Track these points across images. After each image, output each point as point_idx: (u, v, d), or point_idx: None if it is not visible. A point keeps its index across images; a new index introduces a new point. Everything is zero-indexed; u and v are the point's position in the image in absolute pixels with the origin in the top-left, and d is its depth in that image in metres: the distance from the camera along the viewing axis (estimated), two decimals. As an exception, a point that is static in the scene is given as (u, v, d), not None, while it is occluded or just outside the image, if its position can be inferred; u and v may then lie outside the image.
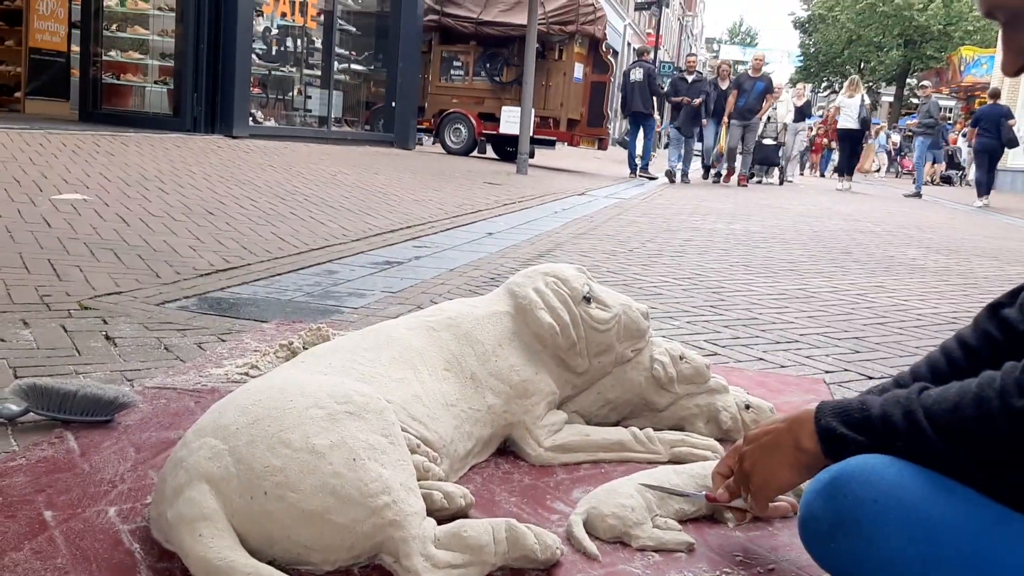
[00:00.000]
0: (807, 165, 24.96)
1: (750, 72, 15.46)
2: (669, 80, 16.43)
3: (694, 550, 1.51)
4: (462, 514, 1.57)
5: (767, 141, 15.76)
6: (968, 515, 1.04)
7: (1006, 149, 14.92)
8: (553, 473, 1.81)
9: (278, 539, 1.35)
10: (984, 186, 14.65)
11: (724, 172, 15.74)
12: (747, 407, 2.09)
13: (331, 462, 1.38)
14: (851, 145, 16.69)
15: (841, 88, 21.26)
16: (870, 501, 1.07)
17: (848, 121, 16.20)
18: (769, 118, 16.21)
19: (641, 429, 1.98)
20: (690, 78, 15.09)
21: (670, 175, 14.67)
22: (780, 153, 17.45)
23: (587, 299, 2.01)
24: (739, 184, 15.25)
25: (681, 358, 2.08)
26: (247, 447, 1.38)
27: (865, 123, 16.38)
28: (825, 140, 23.54)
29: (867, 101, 16.84)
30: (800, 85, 18.39)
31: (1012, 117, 14.47)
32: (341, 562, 1.37)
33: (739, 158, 15.51)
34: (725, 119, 15.28)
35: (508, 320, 1.98)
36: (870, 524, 1.06)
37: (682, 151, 15.01)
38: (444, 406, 1.77)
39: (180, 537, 1.32)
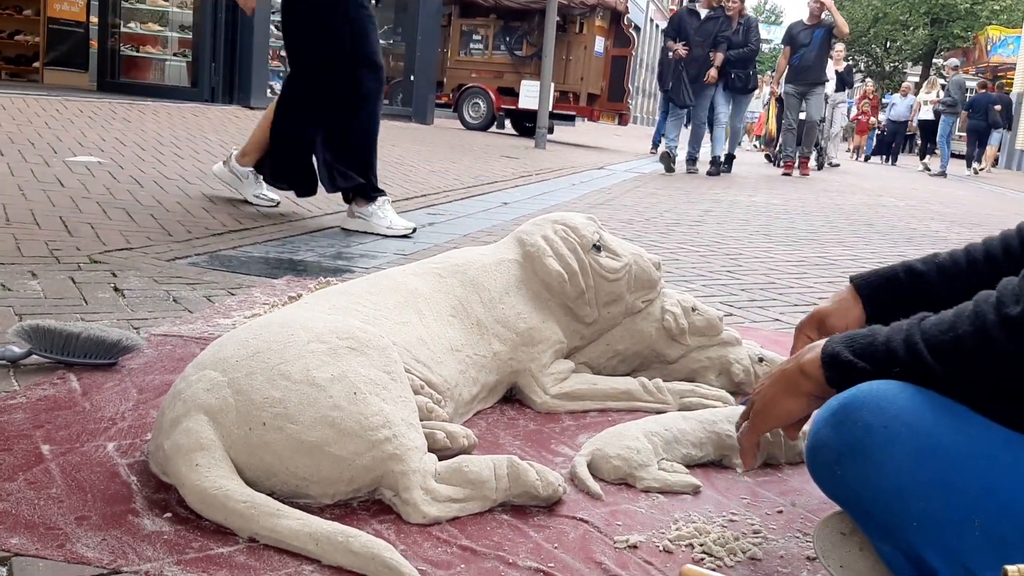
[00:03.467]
0: (850, 148, 22.55)
1: (805, 20, 11.06)
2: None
3: (699, 493, 1.48)
4: (465, 454, 1.54)
5: (802, 116, 11.45)
6: (978, 440, 1.00)
7: (992, 130, 17.75)
8: (559, 420, 1.78)
9: (276, 471, 1.32)
10: (973, 158, 17.72)
11: (788, 159, 11.74)
12: (760, 360, 2.04)
13: (331, 395, 1.35)
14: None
15: (864, 67, 20.88)
16: (880, 427, 1.03)
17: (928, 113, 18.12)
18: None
19: (652, 379, 1.94)
20: (703, 12, 10.35)
21: (666, 159, 10.14)
22: (821, 131, 13.61)
23: (597, 247, 1.97)
24: (801, 173, 11.59)
25: (693, 310, 2.04)
26: (246, 379, 1.36)
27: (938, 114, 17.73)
28: (872, 120, 21.60)
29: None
30: (839, 47, 14.15)
31: (999, 103, 17.71)
32: (340, 495, 1.35)
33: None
34: (775, 86, 12.29)
35: (516, 268, 1.94)
36: (880, 451, 1.03)
37: (685, 126, 11.45)
38: (449, 351, 1.74)
39: (176, 467, 1.30)
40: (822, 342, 1.20)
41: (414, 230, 4.05)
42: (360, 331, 1.49)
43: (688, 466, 1.57)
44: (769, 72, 18.87)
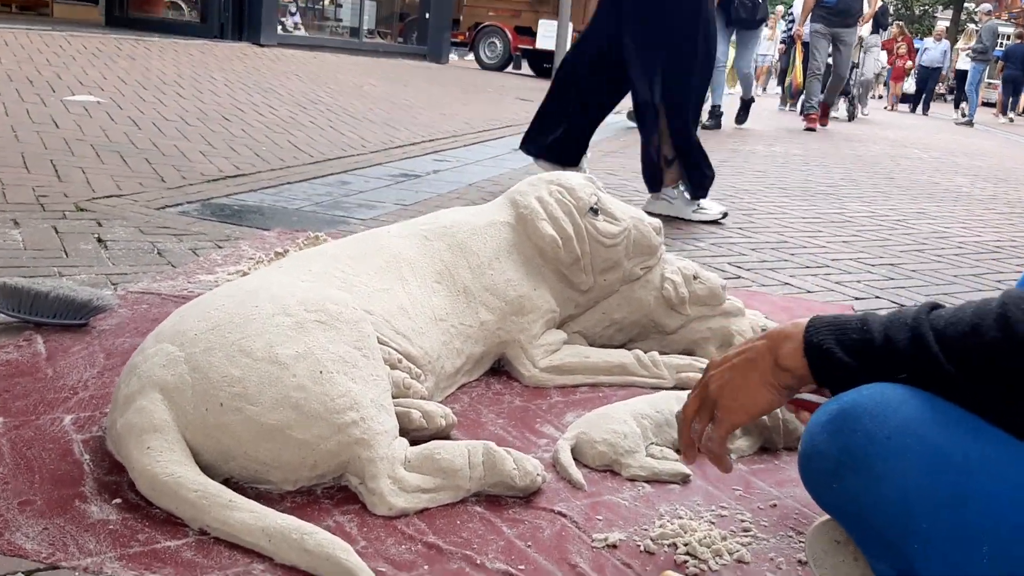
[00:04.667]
0: (887, 95, 20.45)
1: None
2: None
3: (689, 482, 1.38)
4: (443, 435, 1.45)
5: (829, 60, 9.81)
6: (993, 454, 0.90)
7: None
8: (547, 396, 1.69)
9: (234, 455, 1.24)
10: (1008, 107, 17.48)
11: (812, 110, 9.78)
12: (764, 331, 1.93)
13: (295, 374, 1.26)
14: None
15: (893, 10, 19.86)
16: (883, 438, 0.93)
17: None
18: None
19: (647, 352, 1.84)
20: None
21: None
22: (852, 78, 11.94)
23: (594, 211, 1.86)
24: (820, 123, 9.97)
25: (695, 278, 1.93)
26: (204, 355, 1.27)
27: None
28: (908, 64, 19.23)
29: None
30: None
31: None
32: (303, 481, 1.26)
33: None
34: (799, 28, 10.54)
35: (508, 231, 1.83)
36: (883, 463, 0.92)
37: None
38: (432, 320, 1.64)
39: (127, 448, 1.22)
40: (798, 323, 1.08)
41: (725, 215, 3.70)
42: (331, 303, 1.39)
43: (678, 450, 1.47)
44: (782, 6, 17.90)
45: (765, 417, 1.50)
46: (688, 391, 1.53)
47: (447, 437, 1.46)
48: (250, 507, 1.14)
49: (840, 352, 1.01)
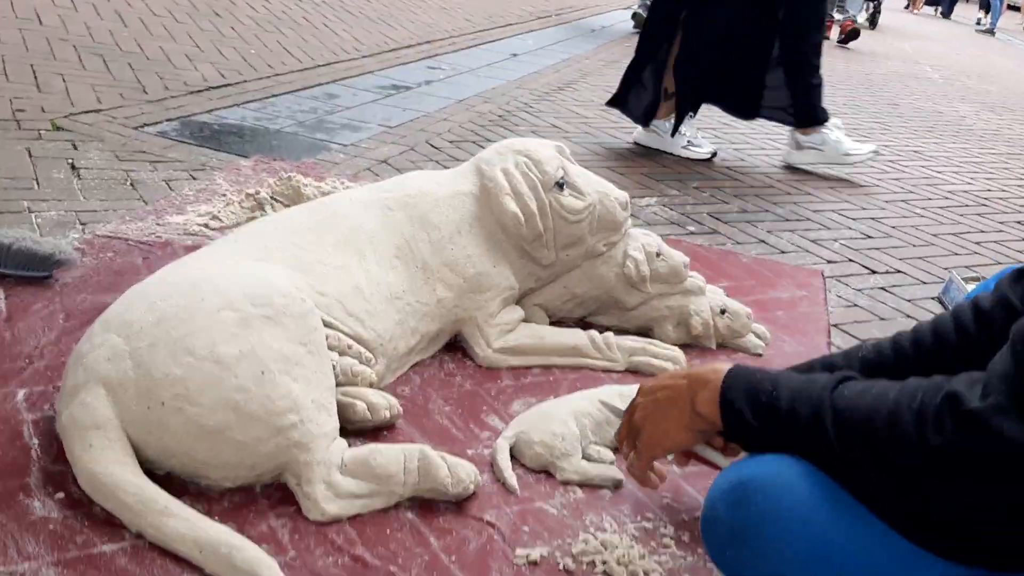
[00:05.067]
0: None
1: None
2: None
3: (621, 487, 1.43)
4: (388, 425, 1.49)
5: None
6: (872, 548, 0.93)
7: None
8: (498, 378, 1.72)
9: (175, 453, 1.28)
10: None
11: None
12: (723, 312, 1.95)
13: (236, 374, 1.28)
14: None
15: None
16: (772, 517, 0.96)
17: None
18: None
19: (604, 331, 1.86)
20: None
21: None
22: None
23: (560, 185, 1.84)
24: (841, 39, 8.72)
25: (658, 255, 1.93)
26: (148, 351, 1.29)
27: None
28: None
29: None
30: None
31: None
32: (242, 480, 1.30)
33: None
34: None
35: (471, 203, 1.82)
36: (769, 543, 0.96)
37: None
38: (388, 299, 1.65)
39: (71, 443, 1.25)
40: (718, 370, 1.11)
41: (714, 154, 3.63)
42: (279, 295, 1.40)
43: (618, 449, 1.51)
44: None
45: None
46: (632, 388, 1.57)
47: (392, 426, 1.51)
48: (185, 515, 1.18)
49: (749, 414, 1.04)
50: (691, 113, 3.66)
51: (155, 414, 1.26)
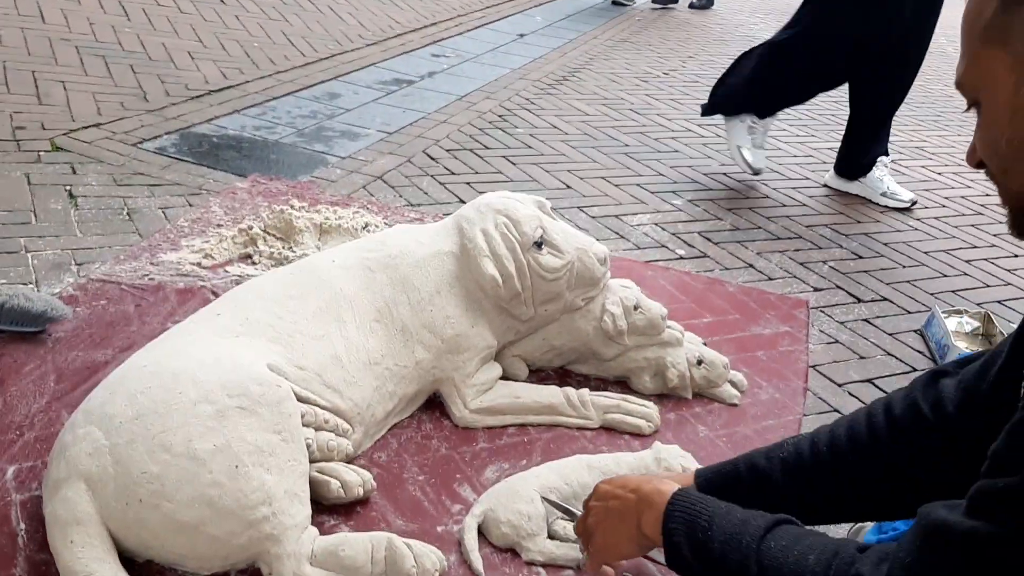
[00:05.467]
0: None
1: None
2: None
3: (583, 567, 1.48)
4: (362, 500, 1.55)
5: None
6: None
7: None
8: (474, 440, 1.77)
9: (152, 546, 1.34)
10: None
11: None
12: (699, 362, 1.99)
13: (211, 470, 1.34)
14: None
15: None
16: None
17: None
18: None
19: (583, 379, 1.92)
20: None
21: None
22: None
23: (539, 244, 1.88)
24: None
25: (635, 308, 1.97)
26: (127, 447, 1.35)
27: None
28: None
29: None
30: None
31: None
32: (216, 569, 1.37)
33: None
34: None
35: (452, 262, 1.86)
36: None
37: None
38: (366, 365, 1.70)
39: (53, 537, 1.32)
40: (663, 492, 1.17)
41: (914, 203, 3.49)
42: (255, 382, 1.45)
43: (585, 522, 1.57)
44: None
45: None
46: (599, 457, 1.62)
47: (367, 500, 1.57)
48: (159, 616, 1.25)
49: (686, 549, 1.09)
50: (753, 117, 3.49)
51: (133, 510, 1.32)
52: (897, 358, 2.31)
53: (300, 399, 1.56)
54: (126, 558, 1.34)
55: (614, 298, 1.98)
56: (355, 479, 1.54)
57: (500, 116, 3.89)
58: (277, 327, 1.64)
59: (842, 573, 0.92)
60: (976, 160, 0.97)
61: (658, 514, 1.15)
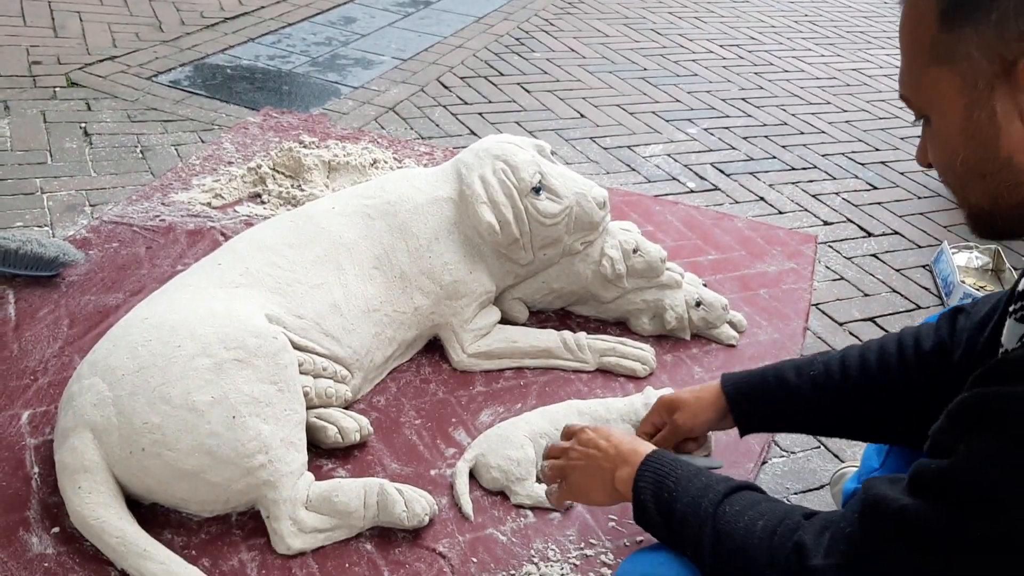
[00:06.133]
0: None
1: None
2: None
3: (571, 508, 1.54)
4: (359, 444, 1.62)
5: None
6: None
7: None
8: (471, 383, 1.82)
9: (156, 491, 1.42)
10: None
11: None
12: (698, 304, 2.01)
13: (209, 421, 1.40)
14: None
15: None
16: None
17: None
18: None
19: (583, 321, 1.95)
20: None
21: None
22: None
23: (537, 190, 1.89)
24: None
25: (635, 251, 1.98)
26: (129, 399, 1.41)
27: None
28: None
29: None
30: None
31: None
32: (218, 512, 1.45)
33: None
34: None
35: (450, 208, 1.89)
36: None
37: None
38: (365, 312, 1.75)
39: (62, 484, 1.40)
40: (639, 452, 1.20)
41: None
42: (251, 336, 1.50)
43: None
44: None
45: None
46: (588, 403, 1.66)
47: (364, 444, 1.63)
48: (162, 557, 1.33)
49: (653, 508, 1.13)
50: None
51: (136, 459, 1.40)
52: (902, 295, 2.30)
53: (299, 348, 1.62)
54: (133, 501, 1.42)
55: (613, 241, 1.99)
56: (352, 425, 1.60)
57: (517, 40, 3.83)
58: (276, 276, 1.69)
59: (786, 538, 0.96)
60: (927, 163, 0.95)
61: (631, 471, 1.18)
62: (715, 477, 1.12)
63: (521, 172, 1.89)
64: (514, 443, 1.59)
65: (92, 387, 1.44)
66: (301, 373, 1.58)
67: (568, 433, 1.36)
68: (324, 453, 1.59)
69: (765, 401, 1.33)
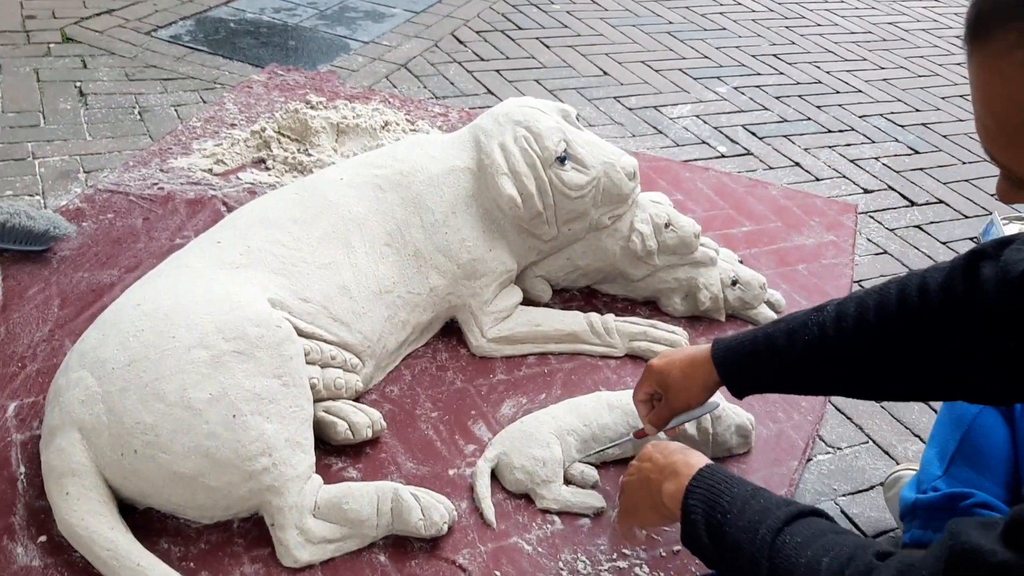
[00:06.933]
0: None
1: None
2: None
3: (602, 514, 1.42)
4: (371, 440, 1.49)
5: None
6: None
7: None
8: (491, 371, 1.69)
9: (150, 495, 1.30)
10: None
11: None
12: (734, 283, 1.87)
13: (207, 420, 1.28)
14: None
15: None
16: None
17: None
18: None
19: (603, 315, 1.80)
20: None
21: None
22: None
23: (562, 159, 1.74)
24: None
25: (667, 226, 1.84)
26: (120, 396, 1.29)
27: None
28: None
29: None
30: None
31: None
32: (218, 518, 1.33)
33: None
34: None
35: (468, 180, 1.74)
36: None
37: None
38: (376, 294, 1.61)
39: (49, 489, 1.28)
40: (691, 464, 1.10)
41: None
42: (252, 325, 1.37)
43: (606, 463, 1.51)
44: None
45: (694, 431, 1.51)
46: (619, 395, 1.53)
47: (376, 440, 1.51)
48: (156, 572, 1.22)
49: (703, 529, 1.02)
50: None
51: (128, 461, 1.28)
52: (950, 271, 2.15)
53: (305, 335, 1.49)
54: (127, 505, 1.30)
55: (643, 215, 1.85)
56: (363, 420, 1.48)
57: (534, -7, 3.65)
58: (280, 256, 1.55)
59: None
60: (1011, 201, 0.84)
61: (680, 486, 1.07)
62: (776, 499, 1.00)
63: (545, 140, 1.74)
64: (539, 441, 1.46)
65: (80, 381, 1.32)
66: (308, 363, 1.45)
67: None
68: (333, 451, 1.47)
69: (759, 370, 1.24)
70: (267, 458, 1.30)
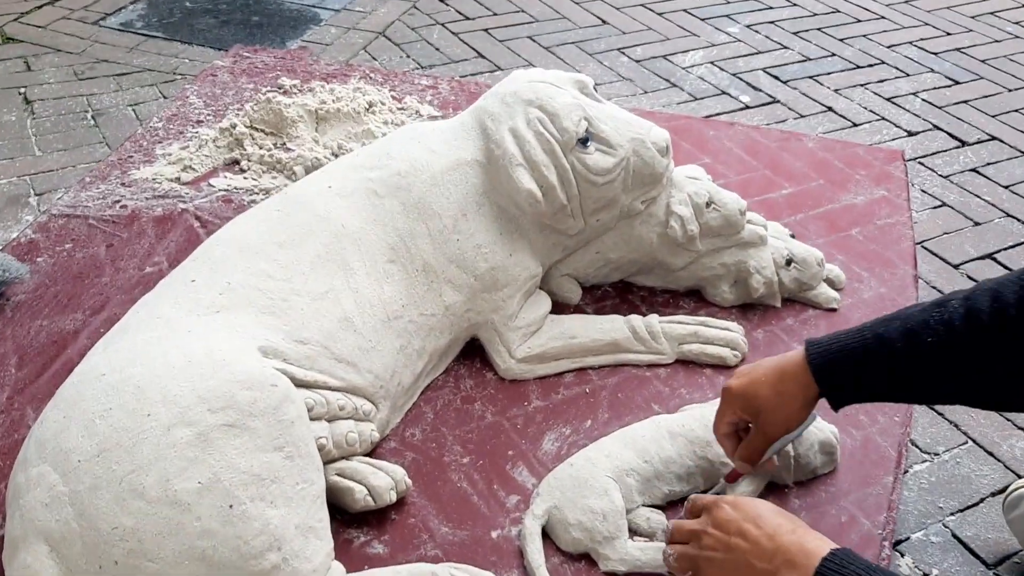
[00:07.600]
0: None
1: None
2: None
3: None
4: (396, 501, 1.27)
5: None
6: None
7: None
8: (525, 398, 1.46)
9: (141, 613, 1.08)
10: None
11: None
12: (789, 262, 1.64)
13: (199, 516, 1.05)
14: None
15: None
16: None
17: None
18: None
19: (646, 317, 1.57)
20: None
21: None
22: None
23: (584, 141, 1.49)
24: None
25: (708, 204, 1.59)
26: (90, 495, 1.06)
27: None
28: None
29: None
30: None
31: None
32: (224, 630, 1.11)
33: None
34: None
35: (477, 174, 1.50)
36: None
37: None
38: (384, 322, 1.38)
39: (17, 618, 1.06)
40: (810, 554, 0.90)
41: None
42: (243, 386, 1.13)
43: (670, 503, 1.28)
44: None
45: (775, 457, 1.28)
46: (679, 418, 1.31)
47: (403, 500, 1.28)
48: None
49: None
50: None
51: (108, 574, 1.05)
52: (1020, 219, 1.92)
53: (305, 384, 1.25)
54: (113, 621, 1.08)
55: (681, 195, 1.60)
56: (385, 482, 1.25)
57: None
58: (267, 290, 1.31)
59: None
60: None
61: None
62: None
63: (563, 120, 1.48)
64: (595, 488, 1.24)
65: (42, 479, 1.08)
66: (312, 419, 1.22)
67: (697, 508, 1.02)
68: (352, 520, 1.24)
69: (871, 378, 1.06)
70: (276, 553, 1.08)
